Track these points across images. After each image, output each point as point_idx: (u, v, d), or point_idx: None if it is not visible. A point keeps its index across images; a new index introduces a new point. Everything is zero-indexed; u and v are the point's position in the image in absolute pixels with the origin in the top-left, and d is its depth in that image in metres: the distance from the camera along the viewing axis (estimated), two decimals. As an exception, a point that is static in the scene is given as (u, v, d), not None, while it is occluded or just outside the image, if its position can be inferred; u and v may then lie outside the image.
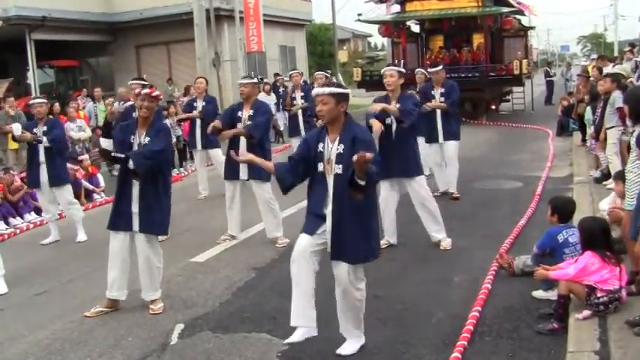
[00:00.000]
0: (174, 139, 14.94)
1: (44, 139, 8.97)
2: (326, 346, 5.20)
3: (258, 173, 8.13)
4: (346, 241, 4.85)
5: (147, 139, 6.21)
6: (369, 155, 4.40)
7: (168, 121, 14.97)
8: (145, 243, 6.27)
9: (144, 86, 8.98)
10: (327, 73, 12.44)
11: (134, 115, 8.80)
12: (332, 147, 4.90)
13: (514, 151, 15.68)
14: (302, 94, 12.69)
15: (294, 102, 12.78)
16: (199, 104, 11.42)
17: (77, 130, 14.26)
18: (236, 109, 8.64)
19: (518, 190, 11.06)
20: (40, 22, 22.07)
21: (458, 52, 23.28)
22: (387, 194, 7.90)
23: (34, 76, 22.55)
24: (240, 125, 8.37)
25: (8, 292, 7.29)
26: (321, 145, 4.96)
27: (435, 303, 6.12)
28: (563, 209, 6.08)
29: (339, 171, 4.83)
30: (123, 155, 6.07)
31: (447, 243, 7.86)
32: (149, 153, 6.13)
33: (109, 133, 6.65)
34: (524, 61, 21.91)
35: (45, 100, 9.64)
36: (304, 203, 5.37)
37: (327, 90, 4.86)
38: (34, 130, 9.06)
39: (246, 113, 8.41)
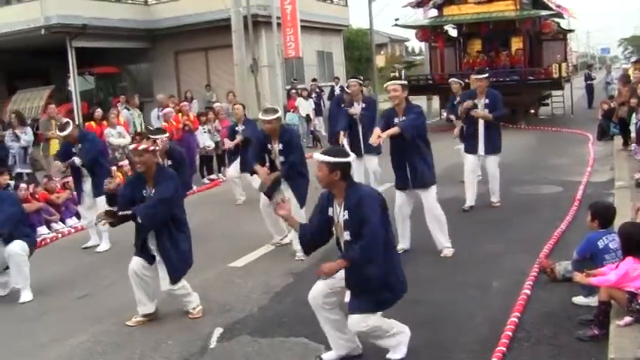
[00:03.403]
0: (212, 146, 15.10)
1: (77, 160, 9.26)
2: (365, 351, 5.21)
3: (296, 186, 8.14)
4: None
5: (154, 191, 6.20)
6: (325, 269, 4.79)
7: (206, 127, 15.17)
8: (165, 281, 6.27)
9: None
10: (361, 79, 11.59)
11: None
12: (339, 211, 4.90)
13: (553, 155, 15.46)
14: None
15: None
16: (240, 128, 11.61)
17: (117, 136, 14.45)
18: (263, 141, 8.27)
19: (557, 195, 10.92)
20: (80, 29, 22.44)
21: (496, 56, 23.07)
22: (402, 203, 7.95)
23: (74, 83, 22.91)
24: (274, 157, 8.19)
25: (48, 296, 7.45)
26: (330, 210, 4.98)
27: (473, 308, 6.09)
28: (603, 215, 5.99)
29: (348, 237, 4.85)
30: (129, 212, 6.05)
31: (449, 252, 7.82)
32: (154, 201, 6.09)
33: (114, 201, 6.44)
34: (564, 65, 21.62)
35: (75, 125, 9.88)
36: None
37: (321, 158, 4.85)
38: (72, 149, 9.37)
39: (276, 147, 8.15)
